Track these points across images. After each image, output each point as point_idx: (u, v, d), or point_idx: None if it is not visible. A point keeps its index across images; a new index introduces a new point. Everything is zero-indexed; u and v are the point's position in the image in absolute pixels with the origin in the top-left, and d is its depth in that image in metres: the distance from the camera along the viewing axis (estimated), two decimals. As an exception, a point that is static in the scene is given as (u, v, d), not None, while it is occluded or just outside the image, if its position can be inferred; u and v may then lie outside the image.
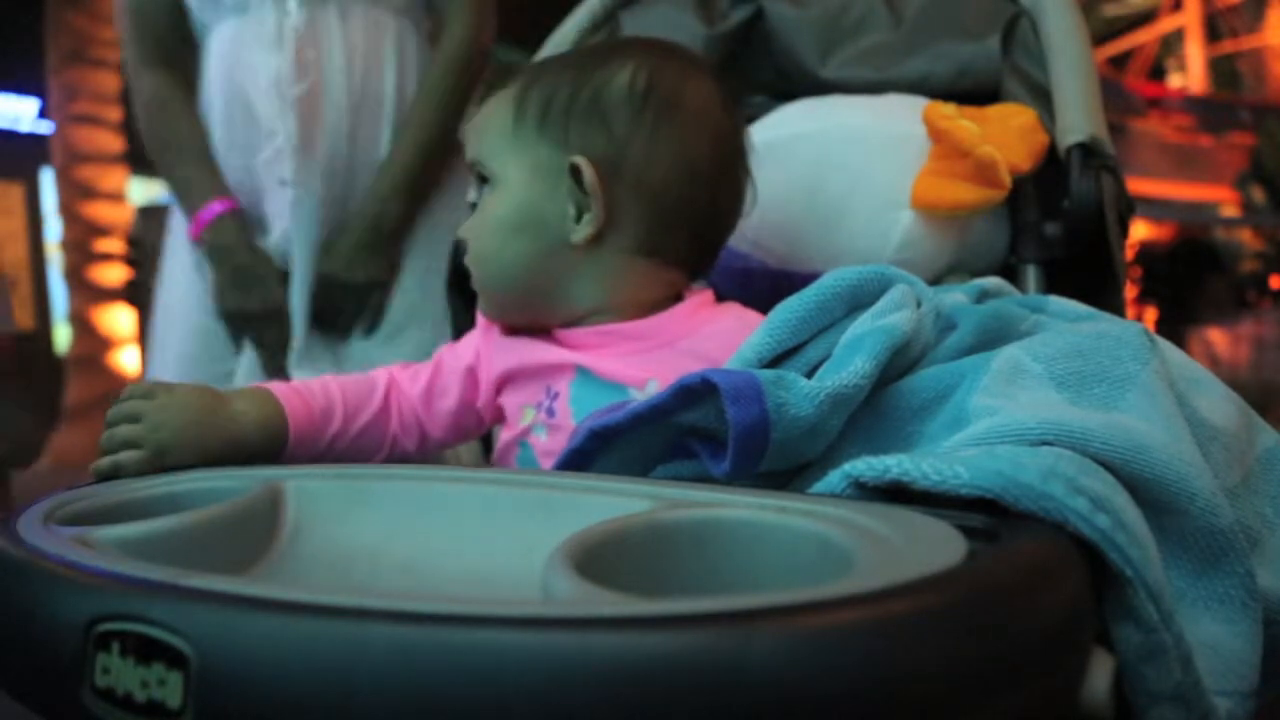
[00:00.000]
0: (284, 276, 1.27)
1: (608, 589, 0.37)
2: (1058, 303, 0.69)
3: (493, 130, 0.81)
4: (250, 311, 1.27)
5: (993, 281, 0.74)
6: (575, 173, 0.76)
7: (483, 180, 0.82)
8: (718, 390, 0.55)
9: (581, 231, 0.77)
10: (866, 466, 0.49)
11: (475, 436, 0.91)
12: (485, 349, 0.84)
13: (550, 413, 0.78)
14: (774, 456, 0.56)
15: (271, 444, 0.74)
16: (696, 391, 0.56)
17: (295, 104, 1.24)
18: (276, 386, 0.77)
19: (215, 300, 1.28)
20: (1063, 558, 0.42)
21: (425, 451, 0.86)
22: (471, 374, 0.84)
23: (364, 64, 1.28)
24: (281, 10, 1.25)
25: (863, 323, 0.62)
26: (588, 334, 0.79)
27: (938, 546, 0.39)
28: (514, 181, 0.79)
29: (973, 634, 0.35)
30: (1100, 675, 0.41)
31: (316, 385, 0.80)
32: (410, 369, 0.87)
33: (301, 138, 1.25)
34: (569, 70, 0.80)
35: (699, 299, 0.82)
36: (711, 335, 0.78)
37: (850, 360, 0.58)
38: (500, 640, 0.33)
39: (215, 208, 1.26)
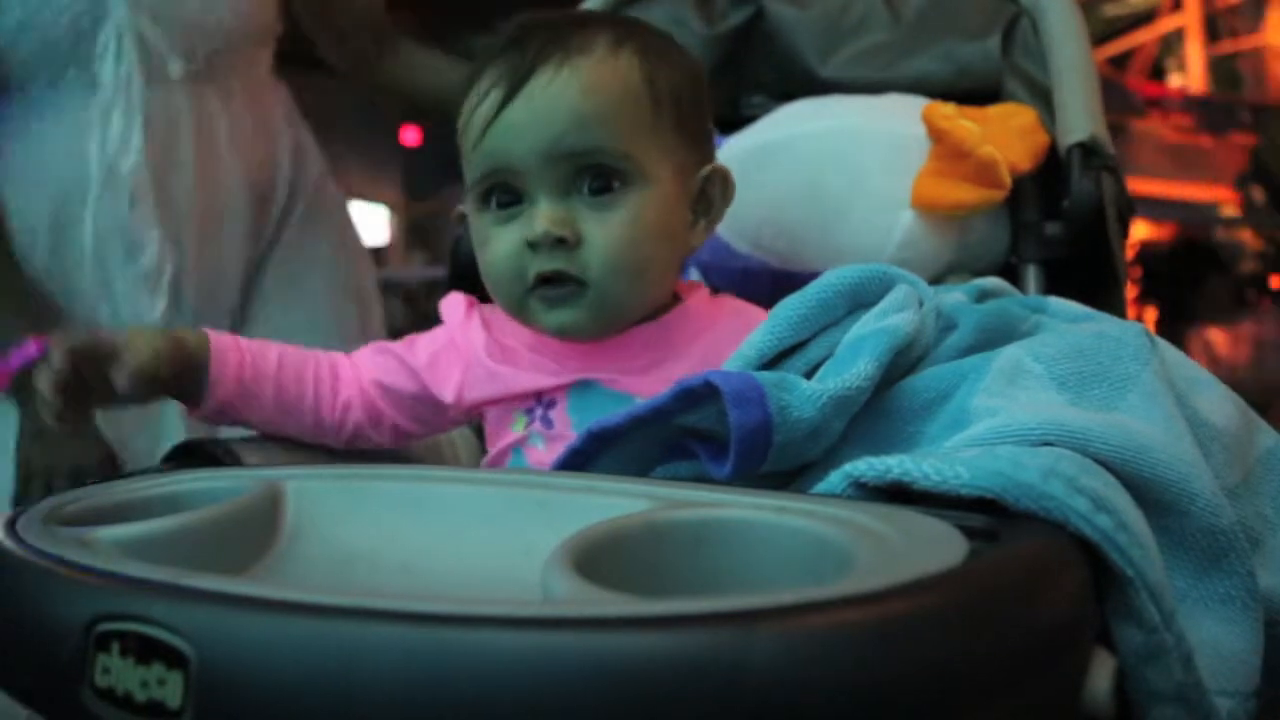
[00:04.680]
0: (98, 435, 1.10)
1: (607, 589, 0.37)
2: (1058, 303, 0.69)
3: (628, 119, 0.71)
4: (55, 470, 1.07)
5: (992, 281, 0.74)
6: (710, 179, 0.76)
7: (611, 174, 0.71)
8: (719, 393, 0.55)
9: (700, 236, 0.77)
10: (867, 466, 0.48)
11: (441, 430, 0.86)
12: (463, 354, 0.79)
13: (547, 422, 0.75)
14: (775, 458, 0.56)
15: (195, 357, 0.73)
16: (698, 394, 0.56)
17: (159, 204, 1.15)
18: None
19: (16, 453, 1.08)
20: (1063, 558, 0.41)
21: (392, 439, 0.81)
22: (428, 372, 0.79)
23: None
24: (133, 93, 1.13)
25: (865, 323, 0.62)
26: (603, 347, 0.75)
27: (938, 546, 0.39)
28: (665, 183, 0.72)
29: (974, 634, 0.35)
30: (1101, 675, 0.41)
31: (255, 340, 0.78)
32: (369, 347, 0.82)
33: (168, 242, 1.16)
34: (662, 68, 0.74)
35: (698, 295, 0.80)
36: (722, 339, 0.74)
37: (853, 362, 0.58)
38: (500, 640, 0.33)
39: (31, 350, 0.99)
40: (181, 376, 0.73)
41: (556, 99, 0.70)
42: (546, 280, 0.72)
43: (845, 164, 0.91)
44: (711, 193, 0.77)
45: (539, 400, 0.75)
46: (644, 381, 0.73)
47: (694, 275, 0.98)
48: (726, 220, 0.94)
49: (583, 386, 0.74)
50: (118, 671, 0.38)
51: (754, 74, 1.09)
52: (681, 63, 0.77)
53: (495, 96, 0.71)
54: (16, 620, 0.43)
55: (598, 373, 0.74)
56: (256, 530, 0.56)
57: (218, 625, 0.37)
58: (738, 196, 0.93)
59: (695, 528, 0.45)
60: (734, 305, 0.81)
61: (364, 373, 0.79)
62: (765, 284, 0.92)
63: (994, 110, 0.91)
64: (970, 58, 0.99)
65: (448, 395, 0.78)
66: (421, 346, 0.80)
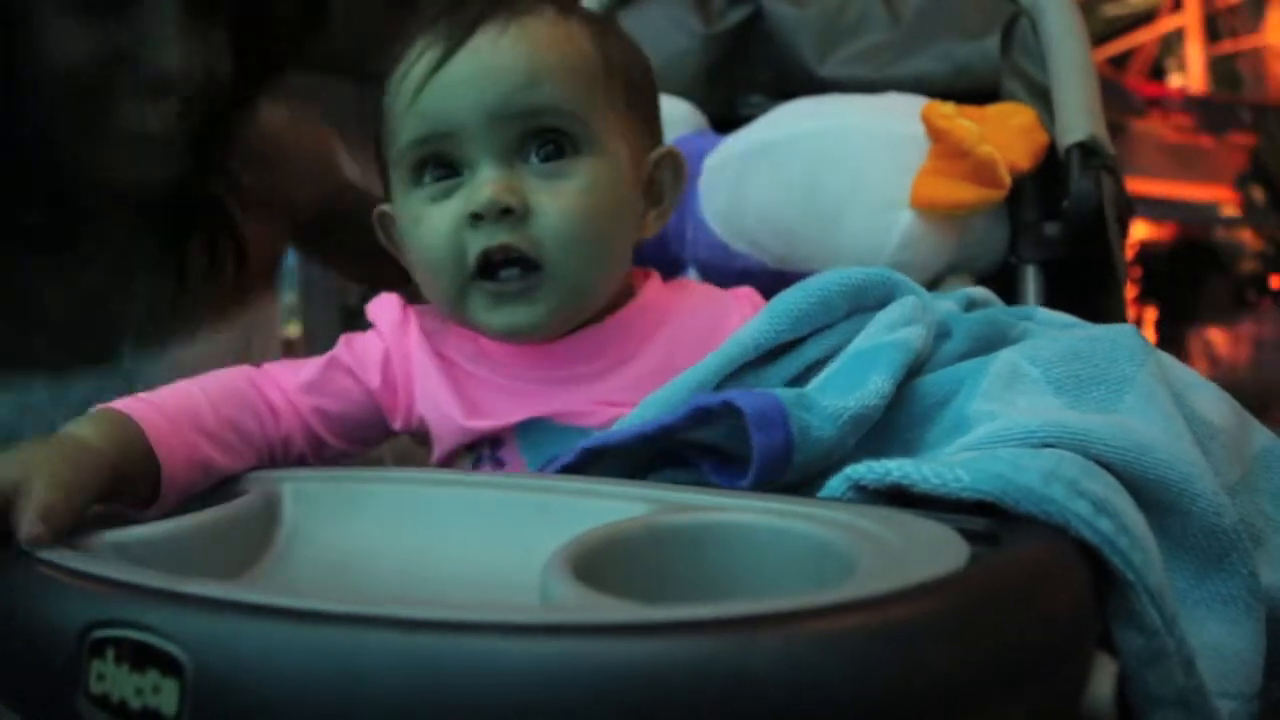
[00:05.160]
0: None
1: (607, 594, 0.37)
2: (1044, 313, 0.69)
3: (581, 81, 0.65)
4: None
5: (978, 291, 0.74)
6: (661, 164, 0.71)
7: (562, 140, 0.64)
8: (736, 412, 0.53)
9: (652, 226, 0.71)
10: (867, 469, 0.48)
11: (380, 443, 0.76)
12: (404, 370, 0.69)
13: (497, 462, 0.68)
14: (791, 475, 0.55)
15: (134, 464, 0.57)
16: (713, 413, 0.55)
17: None
18: (119, 402, 0.60)
19: None
20: (1065, 562, 0.41)
21: (328, 459, 0.70)
22: (383, 394, 0.69)
23: None
24: None
25: (873, 335, 0.61)
26: (553, 351, 0.68)
27: (940, 550, 0.39)
28: (619, 157, 0.66)
29: (977, 640, 0.35)
30: (1103, 680, 0.40)
31: (164, 390, 0.63)
32: (287, 363, 0.70)
33: None
34: (612, 42, 0.69)
35: (651, 284, 0.74)
36: (685, 329, 0.70)
37: (865, 376, 0.57)
38: (500, 647, 0.33)
39: None
40: (128, 487, 0.57)
41: (505, 54, 0.63)
42: (490, 265, 0.64)
43: (844, 163, 0.90)
44: (662, 179, 0.72)
45: (484, 439, 0.68)
46: (599, 391, 0.67)
47: (692, 276, 0.97)
48: (724, 220, 0.94)
49: (531, 424, 0.67)
50: (112, 678, 0.38)
51: (752, 73, 1.08)
52: (630, 44, 0.72)
53: (433, 55, 0.64)
54: (10, 626, 0.43)
55: (549, 400, 0.67)
56: (253, 533, 0.56)
57: (214, 632, 0.37)
58: (735, 196, 0.93)
59: (695, 531, 0.45)
60: (699, 292, 0.76)
61: (300, 400, 0.68)
62: (764, 284, 0.91)
63: (993, 110, 0.91)
64: (969, 57, 0.99)
65: (398, 421, 0.70)
66: (370, 363, 0.70)
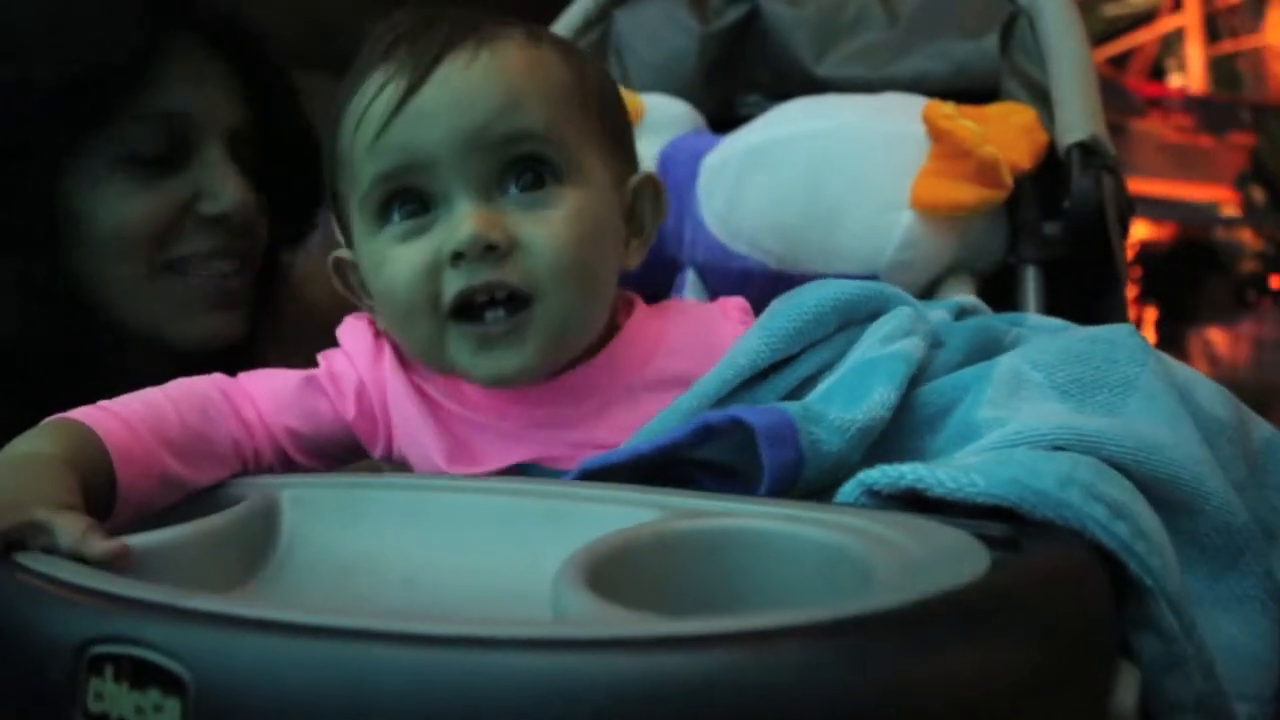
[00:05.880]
0: None
1: (620, 604, 0.36)
2: (1035, 318, 0.69)
3: (559, 106, 0.61)
4: None
5: (969, 299, 0.74)
6: (640, 191, 0.67)
7: (542, 168, 0.61)
8: (742, 428, 0.53)
9: (635, 256, 0.67)
10: (880, 474, 0.48)
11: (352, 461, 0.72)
12: (380, 401, 0.66)
13: None
14: (799, 489, 0.54)
15: (94, 474, 0.55)
16: (718, 430, 0.54)
17: None
18: (76, 411, 0.58)
19: None
20: (1087, 567, 0.41)
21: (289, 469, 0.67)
22: (359, 423, 0.66)
23: None
24: None
25: (871, 347, 0.60)
26: (540, 396, 0.64)
27: (959, 557, 0.39)
28: (601, 186, 0.63)
29: (1004, 649, 0.34)
30: (1128, 689, 0.40)
31: (129, 396, 0.61)
32: (263, 374, 0.67)
33: None
34: (584, 66, 0.66)
35: (637, 313, 0.69)
36: (672, 354, 0.67)
37: (871, 390, 0.56)
38: (515, 663, 0.32)
39: None
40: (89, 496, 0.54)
41: (478, 80, 0.59)
42: (472, 306, 0.59)
43: (844, 164, 0.90)
44: (642, 208, 0.68)
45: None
46: (593, 434, 0.64)
47: (691, 277, 0.97)
48: (723, 221, 0.93)
49: (517, 468, 0.64)
50: (111, 697, 0.37)
51: (749, 73, 1.08)
52: (600, 68, 0.70)
53: (397, 86, 0.59)
54: (4, 642, 0.42)
55: (536, 445, 0.64)
56: (252, 542, 0.55)
57: (217, 648, 0.36)
58: (734, 196, 0.92)
59: (708, 538, 0.44)
60: (685, 314, 0.72)
61: (272, 417, 0.65)
62: (763, 286, 0.91)
63: (993, 109, 0.91)
64: (968, 56, 0.99)
65: (377, 450, 0.68)
66: (346, 389, 0.66)
